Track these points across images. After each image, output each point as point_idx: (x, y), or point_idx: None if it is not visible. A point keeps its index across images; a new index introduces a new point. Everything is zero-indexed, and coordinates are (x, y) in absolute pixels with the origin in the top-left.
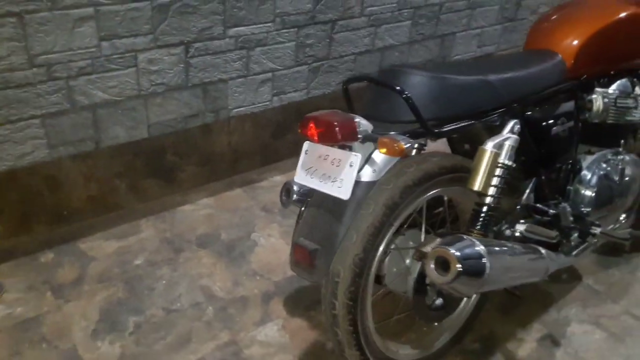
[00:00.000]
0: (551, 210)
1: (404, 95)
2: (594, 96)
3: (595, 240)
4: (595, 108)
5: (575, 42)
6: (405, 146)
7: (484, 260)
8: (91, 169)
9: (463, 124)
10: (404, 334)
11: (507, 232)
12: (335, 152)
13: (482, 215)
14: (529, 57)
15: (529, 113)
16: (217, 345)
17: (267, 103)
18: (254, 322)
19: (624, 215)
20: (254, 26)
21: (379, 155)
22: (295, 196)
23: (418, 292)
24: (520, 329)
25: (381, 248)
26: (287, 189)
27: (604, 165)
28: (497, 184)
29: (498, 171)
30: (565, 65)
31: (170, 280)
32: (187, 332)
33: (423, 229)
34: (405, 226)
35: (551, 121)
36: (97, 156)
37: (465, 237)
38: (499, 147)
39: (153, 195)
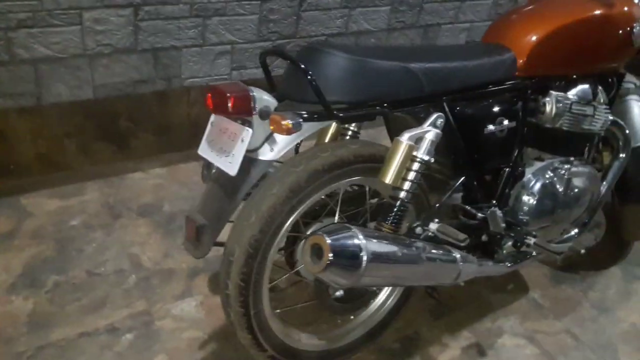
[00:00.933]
0: (479, 214)
1: (308, 76)
2: (547, 99)
3: (532, 251)
4: (547, 111)
5: (530, 39)
6: (291, 124)
7: (362, 253)
8: (39, 126)
9: (373, 111)
10: (317, 323)
11: (419, 229)
12: (232, 126)
13: (395, 209)
14: (477, 49)
15: (458, 108)
16: (130, 313)
17: (225, 77)
18: (174, 295)
19: (575, 230)
20: None
21: (279, 134)
22: (213, 171)
23: (319, 282)
24: (447, 334)
25: (282, 232)
26: (207, 163)
27: (550, 174)
28: (413, 178)
29: (415, 165)
30: (515, 62)
31: (101, 244)
32: (103, 297)
33: (337, 217)
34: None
35: (486, 119)
36: (46, 114)
37: (349, 227)
38: (417, 140)
39: (104, 159)
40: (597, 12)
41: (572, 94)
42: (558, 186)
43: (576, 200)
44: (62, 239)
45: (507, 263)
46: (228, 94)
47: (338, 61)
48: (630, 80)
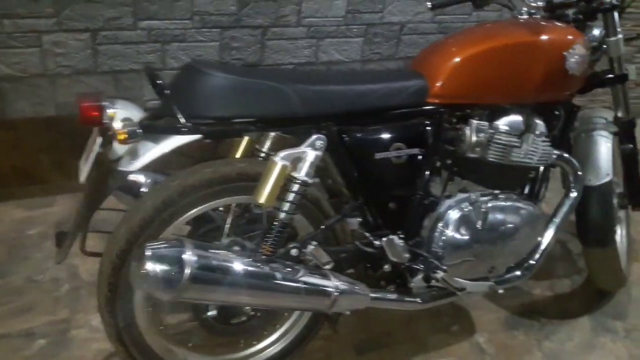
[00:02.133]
0: (376, 242)
1: (165, 91)
2: (466, 127)
3: (447, 288)
4: (466, 140)
5: (445, 65)
6: (126, 132)
7: (186, 268)
8: (14, 140)
9: (236, 128)
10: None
11: (294, 251)
12: (93, 134)
13: (272, 230)
14: (384, 75)
15: (348, 131)
16: (51, 320)
17: None
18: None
19: (518, 272)
20: (169, 21)
21: (143, 145)
22: None
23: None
24: None
25: None
26: None
27: (468, 207)
28: (291, 199)
29: (293, 186)
30: (426, 88)
31: (49, 253)
32: (32, 302)
33: (224, 236)
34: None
35: (379, 145)
36: (21, 128)
37: (181, 241)
38: (294, 160)
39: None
40: (521, 38)
41: (499, 123)
42: (475, 220)
43: (502, 237)
44: (15, 246)
45: (419, 299)
46: (79, 105)
47: (207, 79)
48: (601, 115)
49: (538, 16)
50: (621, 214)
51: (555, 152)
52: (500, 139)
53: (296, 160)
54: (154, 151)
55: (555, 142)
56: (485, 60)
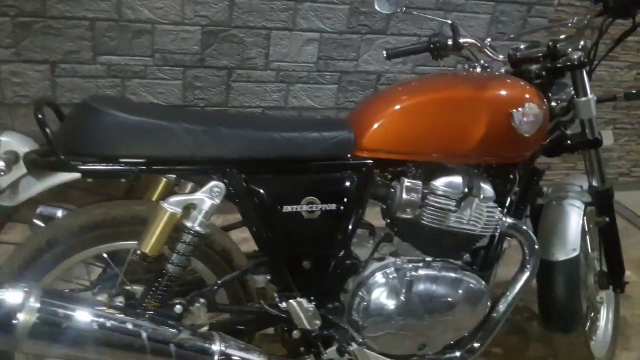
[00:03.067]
0: (282, 303)
1: (42, 125)
2: (396, 184)
3: None
4: (396, 198)
5: (373, 116)
6: None
7: (19, 315)
8: None
9: (118, 168)
10: None
11: (178, 308)
12: None
13: (158, 282)
14: (308, 123)
15: (254, 180)
16: None
17: None
18: None
19: (457, 353)
20: (129, 57)
21: (27, 179)
22: None
23: None
24: None
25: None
26: None
27: (393, 274)
28: (180, 250)
29: (184, 236)
30: (351, 140)
31: None
32: None
33: (120, 280)
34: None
35: (288, 197)
36: None
37: (28, 287)
38: (186, 207)
39: None
40: (461, 92)
41: (435, 183)
42: (399, 289)
43: (432, 311)
44: None
45: None
46: None
47: (93, 115)
48: (574, 182)
49: (502, 70)
50: (604, 294)
51: (508, 220)
52: (435, 201)
53: (190, 208)
54: (35, 187)
55: (510, 209)
56: (417, 112)
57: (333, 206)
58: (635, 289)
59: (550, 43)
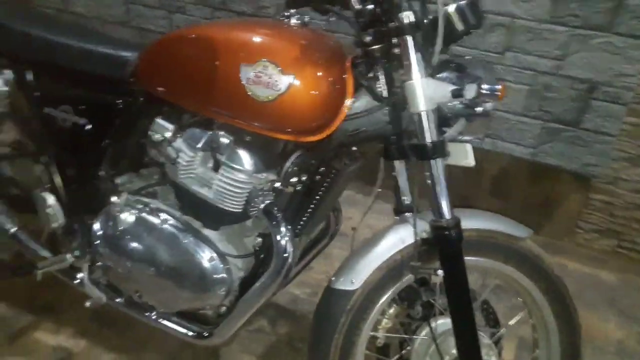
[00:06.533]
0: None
1: None
2: (153, 122)
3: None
4: (149, 137)
5: (150, 46)
6: None
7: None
8: None
9: None
10: None
11: None
12: None
13: None
14: (103, 38)
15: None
16: None
17: None
18: None
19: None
20: None
21: None
22: None
23: None
24: None
25: None
26: None
27: (118, 209)
28: None
29: None
30: (127, 66)
31: None
32: None
33: None
34: None
35: (47, 98)
36: None
37: None
38: None
39: None
40: (211, 35)
41: (182, 132)
42: (117, 225)
43: (140, 260)
44: None
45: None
46: None
47: None
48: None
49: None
50: None
51: (262, 206)
52: (173, 148)
53: None
54: None
55: (292, 201)
56: (172, 49)
57: (84, 120)
58: None
59: None
